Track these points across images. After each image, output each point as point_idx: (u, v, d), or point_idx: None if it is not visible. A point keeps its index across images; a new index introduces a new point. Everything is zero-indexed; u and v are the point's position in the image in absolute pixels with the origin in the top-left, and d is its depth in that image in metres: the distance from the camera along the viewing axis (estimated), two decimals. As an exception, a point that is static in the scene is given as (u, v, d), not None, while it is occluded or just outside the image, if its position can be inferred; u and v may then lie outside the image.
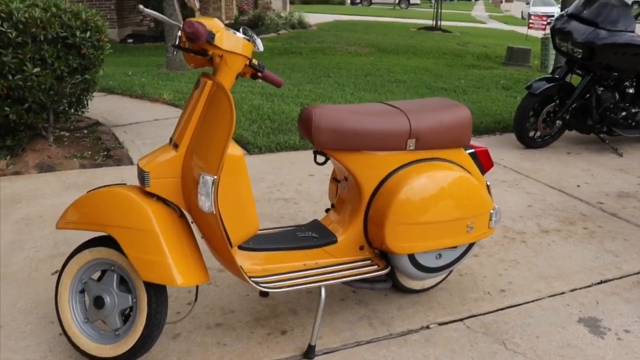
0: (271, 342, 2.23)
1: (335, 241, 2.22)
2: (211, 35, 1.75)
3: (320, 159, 2.19)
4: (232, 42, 1.83)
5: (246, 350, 2.17)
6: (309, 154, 4.54)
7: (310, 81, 8.05)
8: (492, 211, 2.33)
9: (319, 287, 2.12)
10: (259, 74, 2.04)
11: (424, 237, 2.16)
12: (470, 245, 2.40)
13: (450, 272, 2.64)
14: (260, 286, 1.97)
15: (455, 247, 2.32)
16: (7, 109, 3.98)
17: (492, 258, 2.96)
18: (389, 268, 2.25)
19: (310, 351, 2.13)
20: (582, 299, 2.60)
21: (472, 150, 2.42)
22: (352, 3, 37.55)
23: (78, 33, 4.06)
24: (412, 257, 2.25)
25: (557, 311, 2.49)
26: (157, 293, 1.91)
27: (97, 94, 6.95)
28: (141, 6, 1.84)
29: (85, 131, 5.32)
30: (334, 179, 2.44)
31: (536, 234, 3.27)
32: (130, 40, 13.55)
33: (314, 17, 20.69)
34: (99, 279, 2.02)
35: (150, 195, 1.92)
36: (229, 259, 1.92)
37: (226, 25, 1.86)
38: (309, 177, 4.12)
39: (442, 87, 7.76)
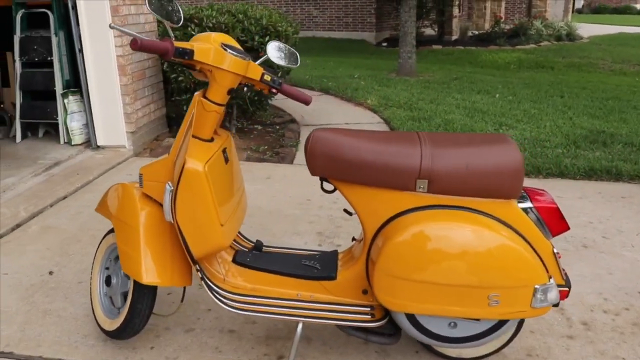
0: (261, 364, 2.18)
1: (333, 277, 2.04)
2: (179, 51, 1.78)
3: (328, 186, 2.03)
4: (217, 58, 1.84)
5: (232, 364, 2.17)
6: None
7: (534, 99, 7.31)
8: (537, 286, 1.83)
9: (297, 322, 1.98)
10: (274, 90, 1.99)
11: (420, 298, 1.82)
12: (503, 322, 1.93)
13: (507, 344, 2.17)
14: (223, 303, 1.93)
15: (476, 319, 1.91)
16: (193, 100, 4.64)
17: (589, 346, 2.32)
18: (383, 322, 1.96)
19: (283, 385, 2.02)
20: None
21: (530, 206, 1.93)
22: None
23: (257, 38, 4.46)
24: (412, 318, 1.93)
25: None
26: (140, 285, 2.04)
27: (313, 94, 7.53)
28: (111, 23, 1.97)
29: (278, 127, 5.80)
30: None
31: (680, 331, 2.44)
32: (384, 44, 14.16)
33: (593, 28, 18.51)
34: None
35: (149, 196, 2.05)
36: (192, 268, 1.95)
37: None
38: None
39: (703, 122, 6.21)
